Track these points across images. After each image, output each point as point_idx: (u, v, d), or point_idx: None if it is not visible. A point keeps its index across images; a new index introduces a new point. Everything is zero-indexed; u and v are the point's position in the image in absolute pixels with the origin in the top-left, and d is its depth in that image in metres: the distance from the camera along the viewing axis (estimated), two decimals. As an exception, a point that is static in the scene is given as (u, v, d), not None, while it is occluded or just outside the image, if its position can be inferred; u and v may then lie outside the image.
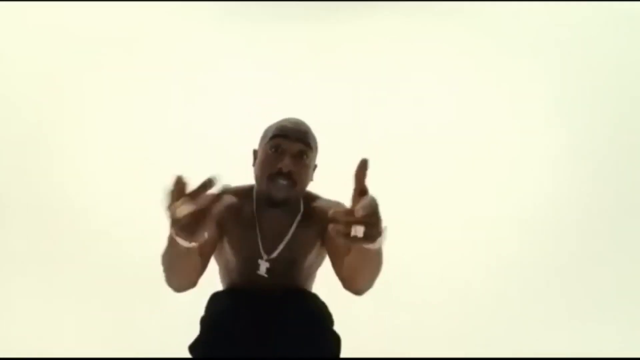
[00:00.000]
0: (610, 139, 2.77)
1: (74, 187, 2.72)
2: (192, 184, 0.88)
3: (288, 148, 1.26)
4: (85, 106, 2.85)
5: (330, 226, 0.84)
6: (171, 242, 0.98)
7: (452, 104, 2.88)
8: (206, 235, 0.92)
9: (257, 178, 1.30)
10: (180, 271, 1.12)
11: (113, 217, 2.65)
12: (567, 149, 2.79)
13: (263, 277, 1.34)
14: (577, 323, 2.35)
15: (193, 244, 0.94)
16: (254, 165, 1.35)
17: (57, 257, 2.58)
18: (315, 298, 1.36)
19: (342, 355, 1.31)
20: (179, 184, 0.87)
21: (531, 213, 2.70)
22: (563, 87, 2.86)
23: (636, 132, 2.76)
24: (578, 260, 2.59)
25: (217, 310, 1.32)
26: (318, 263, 1.45)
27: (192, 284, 1.20)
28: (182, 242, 0.94)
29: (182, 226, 0.88)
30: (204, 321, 1.31)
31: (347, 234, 0.84)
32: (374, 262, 1.07)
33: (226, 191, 1.15)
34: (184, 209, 0.86)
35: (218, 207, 0.87)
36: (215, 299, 1.38)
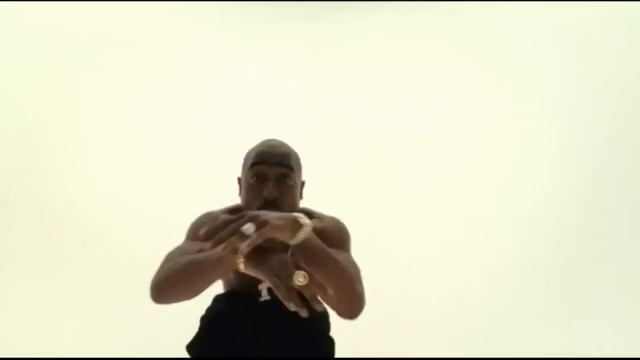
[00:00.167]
0: (610, 139, 2.77)
1: (74, 187, 2.72)
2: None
3: (269, 174, 1.24)
4: (85, 106, 2.85)
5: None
6: (223, 260, 1.01)
7: (452, 104, 2.88)
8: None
9: (246, 209, 1.29)
10: (196, 285, 1.10)
11: (113, 217, 2.65)
12: (567, 149, 2.79)
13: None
14: (577, 323, 2.35)
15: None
16: (240, 194, 1.34)
17: (57, 257, 2.58)
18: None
19: (341, 355, 1.32)
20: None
21: (531, 213, 2.70)
22: (563, 87, 2.86)
23: (636, 132, 2.76)
24: (578, 260, 2.59)
25: (217, 310, 1.32)
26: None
27: (185, 299, 1.17)
28: (240, 265, 0.99)
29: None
30: (204, 319, 1.32)
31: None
32: (321, 263, 1.05)
33: (221, 212, 1.16)
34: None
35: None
36: (217, 300, 1.38)
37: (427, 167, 2.78)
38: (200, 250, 1.13)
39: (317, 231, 1.32)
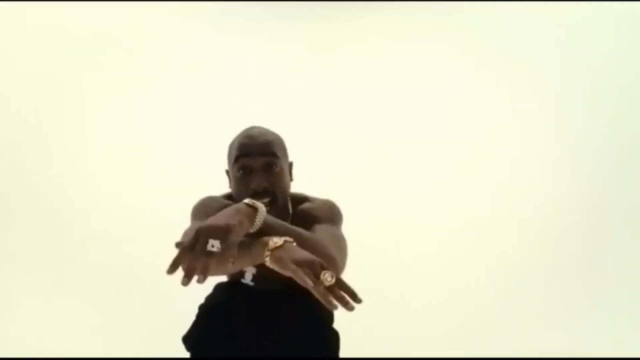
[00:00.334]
0: (610, 139, 2.77)
1: (74, 187, 2.72)
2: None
3: (254, 165, 1.24)
4: (85, 106, 2.85)
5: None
6: (260, 252, 1.01)
7: (452, 104, 2.88)
8: None
9: (237, 201, 1.30)
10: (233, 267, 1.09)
11: (113, 217, 2.65)
12: (567, 149, 2.79)
13: (260, 278, 1.33)
14: (577, 323, 2.35)
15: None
16: (230, 187, 1.34)
17: (57, 257, 2.58)
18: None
19: (342, 355, 1.31)
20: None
21: (531, 213, 2.70)
22: (563, 87, 2.86)
23: (636, 132, 2.76)
24: (578, 260, 2.59)
25: (217, 300, 1.31)
26: None
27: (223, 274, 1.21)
28: (267, 260, 0.99)
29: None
30: (202, 308, 1.31)
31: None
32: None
33: (221, 197, 1.15)
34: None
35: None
36: (218, 288, 1.38)
37: (427, 167, 2.78)
38: None
39: (303, 211, 1.33)
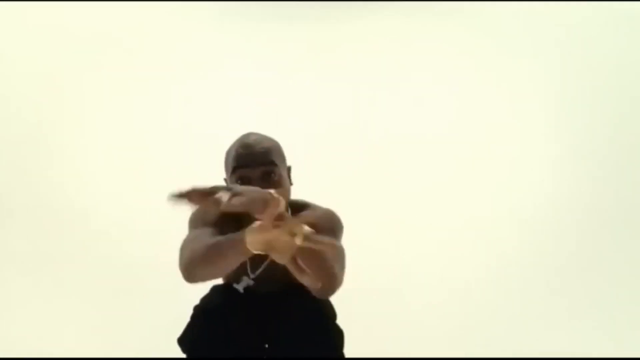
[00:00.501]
0: (610, 139, 2.77)
1: (74, 187, 2.72)
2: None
3: (252, 176, 1.22)
4: (85, 106, 2.85)
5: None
6: (241, 248, 0.98)
7: (452, 104, 2.88)
8: None
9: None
10: (223, 266, 1.10)
11: (113, 217, 2.65)
12: (567, 149, 2.79)
13: (259, 278, 1.33)
14: (577, 323, 2.35)
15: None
16: None
17: (57, 257, 2.58)
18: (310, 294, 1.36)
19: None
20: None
21: (531, 213, 2.70)
22: (563, 87, 2.86)
23: (636, 132, 2.76)
24: (578, 260, 2.59)
25: (213, 301, 1.30)
26: None
27: (219, 277, 1.18)
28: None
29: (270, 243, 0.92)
30: (197, 309, 1.30)
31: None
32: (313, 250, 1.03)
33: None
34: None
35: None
36: (215, 290, 1.37)
37: (427, 167, 2.78)
38: (215, 234, 1.15)
39: (307, 220, 1.32)
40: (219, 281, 1.42)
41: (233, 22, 2.99)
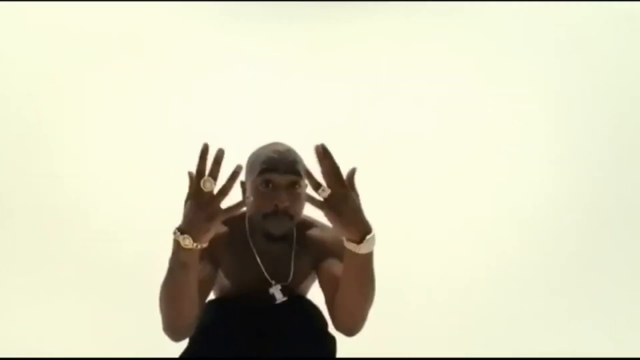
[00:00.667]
0: (610, 139, 2.77)
1: (73, 187, 2.72)
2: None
3: (279, 182, 1.22)
4: (85, 106, 2.85)
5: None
6: (175, 249, 1.01)
7: (452, 104, 2.88)
8: (206, 244, 1.01)
9: (251, 215, 1.28)
10: (180, 295, 1.07)
11: (113, 217, 2.65)
12: (567, 149, 2.79)
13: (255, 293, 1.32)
14: (577, 323, 2.35)
15: (198, 246, 0.99)
16: (244, 199, 1.32)
17: (57, 257, 2.58)
18: (308, 303, 1.37)
19: (342, 356, 1.32)
20: (205, 152, 0.99)
21: (531, 213, 2.70)
22: (563, 87, 2.86)
23: (636, 132, 2.76)
24: (578, 260, 2.59)
25: (208, 318, 1.29)
26: (310, 286, 1.45)
27: (191, 321, 1.15)
28: (188, 243, 0.98)
29: (191, 222, 0.98)
30: (196, 329, 1.30)
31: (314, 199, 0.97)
32: (366, 278, 1.08)
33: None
34: (209, 184, 0.96)
35: (230, 212, 0.99)
36: (209, 306, 1.35)
37: (427, 167, 2.78)
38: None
39: (314, 240, 1.33)
40: (212, 296, 1.40)
41: (233, 22, 2.99)
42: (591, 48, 2.85)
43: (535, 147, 2.81)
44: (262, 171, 1.23)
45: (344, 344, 1.32)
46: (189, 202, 1.02)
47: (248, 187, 1.29)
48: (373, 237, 1.04)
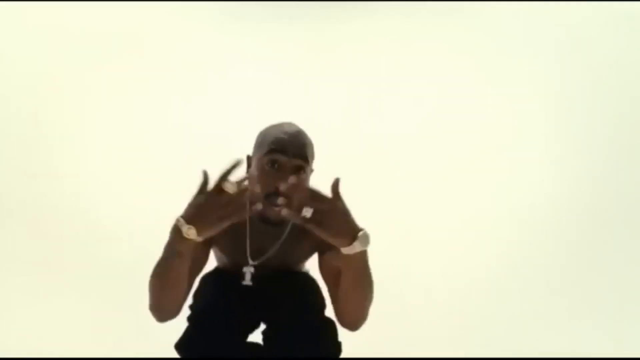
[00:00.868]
0: (610, 139, 2.77)
1: (73, 187, 2.72)
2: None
3: (286, 164, 1.20)
4: (86, 106, 2.85)
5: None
6: (174, 237, 1.03)
7: (452, 104, 2.88)
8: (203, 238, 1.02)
9: (252, 191, 1.26)
10: (171, 283, 1.11)
11: (113, 217, 2.65)
12: (567, 148, 2.79)
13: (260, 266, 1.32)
14: (577, 323, 2.35)
15: (196, 239, 1.01)
16: (247, 172, 1.29)
17: (57, 256, 2.58)
18: (305, 278, 1.36)
19: (342, 356, 1.31)
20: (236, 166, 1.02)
21: (531, 213, 2.70)
22: (563, 87, 2.86)
23: (636, 132, 2.76)
24: (578, 260, 2.59)
25: (204, 301, 1.29)
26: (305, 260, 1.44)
27: (179, 305, 1.18)
28: (191, 234, 1.00)
29: (202, 215, 1.00)
30: (192, 308, 1.30)
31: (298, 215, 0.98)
32: (363, 277, 1.10)
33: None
34: (232, 187, 1.00)
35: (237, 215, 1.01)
36: (204, 284, 1.35)
37: (427, 166, 2.78)
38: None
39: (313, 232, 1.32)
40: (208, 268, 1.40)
41: (233, 22, 2.99)
42: (591, 48, 2.85)
43: (535, 146, 2.81)
44: (270, 151, 1.21)
45: (344, 344, 1.32)
46: (201, 196, 1.03)
47: (253, 162, 1.28)
48: (364, 235, 1.05)
